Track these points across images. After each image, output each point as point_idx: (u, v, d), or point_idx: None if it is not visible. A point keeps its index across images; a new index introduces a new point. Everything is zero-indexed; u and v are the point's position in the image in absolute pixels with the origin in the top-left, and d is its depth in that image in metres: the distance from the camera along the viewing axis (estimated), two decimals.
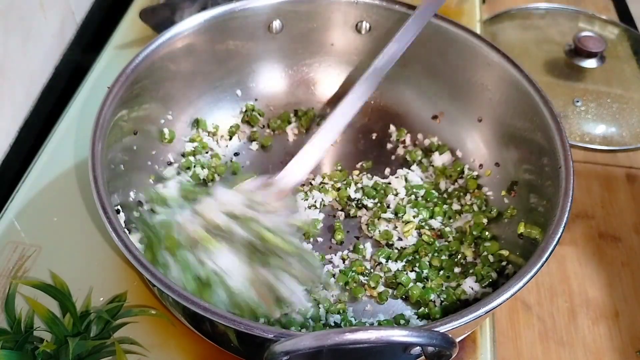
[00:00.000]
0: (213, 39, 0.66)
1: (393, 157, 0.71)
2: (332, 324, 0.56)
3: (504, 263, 0.58)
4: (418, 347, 0.43)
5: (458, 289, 0.58)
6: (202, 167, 0.67)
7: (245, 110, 0.72)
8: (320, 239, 0.63)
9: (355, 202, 0.66)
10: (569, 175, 0.53)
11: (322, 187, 0.67)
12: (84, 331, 0.53)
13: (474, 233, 0.62)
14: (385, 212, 0.65)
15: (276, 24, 0.69)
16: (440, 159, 0.69)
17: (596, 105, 0.83)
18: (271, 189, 0.59)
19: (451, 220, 0.64)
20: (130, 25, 0.83)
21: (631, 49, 0.93)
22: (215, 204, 0.55)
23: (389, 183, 0.67)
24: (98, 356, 0.52)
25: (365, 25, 0.70)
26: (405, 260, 0.61)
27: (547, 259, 0.48)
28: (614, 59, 0.89)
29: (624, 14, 1.03)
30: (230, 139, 0.71)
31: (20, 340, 0.52)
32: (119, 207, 0.56)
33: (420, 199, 0.66)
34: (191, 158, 0.67)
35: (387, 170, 0.69)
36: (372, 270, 0.61)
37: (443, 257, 0.61)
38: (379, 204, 0.65)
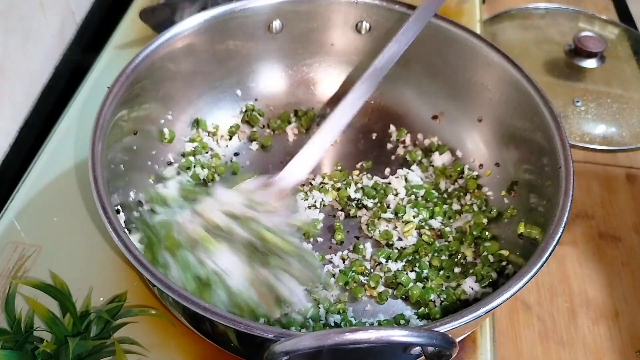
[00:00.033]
0: (213, 39, 0.67)
1: (393, 157, 0.71)
2: (332, 324, 0.56)
3: (504, 263, 0.58)
4: (418, 347, 0.43)
5: (458, 289, 0.58)
6: (202, 167, 0.67)
7: (245, 110, 0.72)
8: (320, 239, 0.63)
9: (355, 202, 0.66)
10: (569, 175, 0.53)
11: (322, 187, 0.67)
12: (84, 331, 0.53)
13: (474, 233, 0.62)
14: (385, 212, 0.65)
15: (276, 24, 0.69)
16: (440, 159, 0.69)
17: (596, 105, 0.83)
18: (271, 188, 0.59)
19: (451, 220, 0.64)
20: (130, 25, 0.83)
21: (631, 49, 0.93)
22: (215, 203, 0.55)
23: (389, 183, 0.67)
24: (98, 356, 0.52)
25: (365, 25, 0.70)
26: (405, 260, 0.61)
27: (547, 259, 0.48)
28: (614, 59, 0.89)
29: (624, 14, 1.03)
30: (230, 139, 0.71)
31: (20, 340, 0.52)
32: (119, 207, 0.56)
33: (420, 199, 0.66)
34: (191, 158, 0.67)
35: (387, 170, 0.69)
36: (372, 270, 0.61)
37: (443, 257, 0.61)
38: (379, 204, 0.65)
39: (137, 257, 0.47)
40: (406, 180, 0.67)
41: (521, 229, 0.57)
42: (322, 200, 0.66)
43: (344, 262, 0.62)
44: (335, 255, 0.62)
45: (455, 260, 0.61)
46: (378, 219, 0.64)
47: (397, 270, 0.60)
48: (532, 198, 0.59)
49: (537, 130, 0.59)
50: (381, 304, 0.59)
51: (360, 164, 0.70)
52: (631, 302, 0.68)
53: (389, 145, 0.72)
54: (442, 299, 0.57)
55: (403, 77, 0.70)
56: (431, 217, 0.64)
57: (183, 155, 0.67)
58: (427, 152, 0.70)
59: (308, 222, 0.63)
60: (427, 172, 0.69)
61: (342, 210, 0.66)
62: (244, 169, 0.69)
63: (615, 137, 0.81)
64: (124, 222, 0.57)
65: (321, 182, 0.68)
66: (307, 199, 0.65)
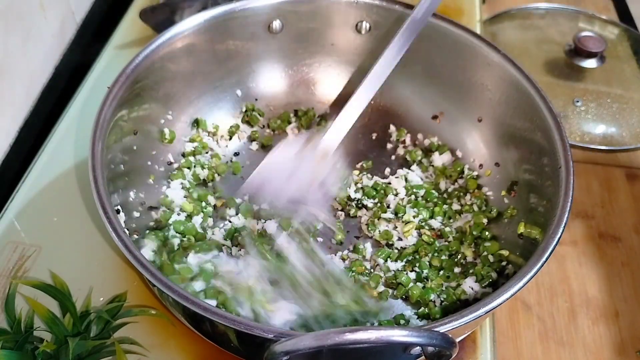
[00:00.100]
0: (213, 39, 0.67)
1: (393, 157, 0.71)
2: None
3: (504, 263, 0.58)
4: (418, 347, 0.43)
5: (458, 289, 0.58)
6: (202, 167, 0.67)
7: (245, 110, 0.72)
8: (320, 239, 0.63)
9: (355, 202, 0.66)
10: (569, 175, 0.53)
11: None
12: (84, 331, 0.53)
13: (474, 233, 0.62)
14: (385, 212, 0.65)
15: (276, 24, 0.69)
16: (440, 159, 0.69)
17: (596, 105, 0.83)
18: (316, 149, 0.61)
19: (451, 220, 0.64)
20: (130, 25, 0.83)
21: (631, 49, 0.92)
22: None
23: (389, 183, 0.67)
24: (98, 356, 0.52)
25: (365, 25, 0.70)
26: (405, 260, 0.61)
27: (547, 259, 0.48)
28: (614, 59, 0.89)
29: (624, 14, 1.03)
30: (230, 139, 0.71)
31: (20, 340, 0.52)
32: (119, 207, 0.56)
33: (420, 199, 0.66)
34: (191, 158, 0.67)
35: (387, 170, 0.69)
36: (372, 270, 0.61)
37: (443, 257, 0.61)
38: (379, 204, 0.65)
39: (137, 257, 0.47)
40: (406, 180, 0.67)
41: (521, 229, 0.57)
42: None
43: (344, 262, 0.62)
44: (335, 255, 0.62)
45: (455, 260, 0.61)
46: (378, 219, 0.64)
47: (397, 270, 0.60)
48: (532, 198, 0.59)
49: (537, 130, 0.59)
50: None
51: (360, 164, 0.70)
52: (631, 302, 0.68)
53: (389, 145, 0.72)
54: (442, 299, 0.57)
55: (403, 77, 0.70)
56: (431, 217, 0.64)
57: (183, 155, 0.68)
58: (427, 152, 0.70)
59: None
60: (427, 172, 0.69)
61: (342, 210, 0.66)
62: (244, 169, 0.69)
63: (615, 137, 0.81)
64: (124, 222, 0.57)
65: None
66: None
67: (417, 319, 0.57)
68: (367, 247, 0.62)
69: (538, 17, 0.98)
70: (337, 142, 0.64)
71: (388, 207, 0.65)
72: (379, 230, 0.63)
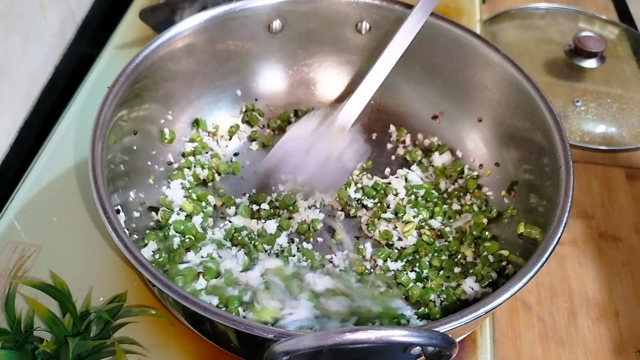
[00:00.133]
0: (213, 39, 0.66)
1: (393, 157, 0.71)
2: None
3: (504, 263, 0.58)
4: (418, 347, 0.43)
5: (458, 289, 0.58)
6: (202, 167, 0.67)
7: (245, 110, 0.72)
8: (320, 239, 0.63)
9: (355, 202, 0.66)
10: (569, 175, 0.53)
11: None
12: (84, 331, 0.53)
13: (474, 233, 0.62)
14: (385, 212, 0.65)
15: (276, 24, 0.69)
16: (440, 159, 0.69)
17: (596, 105, 0.83)
18: (333, 125, 0.63)
19: (451, 220, 0.64)
20: (130, 25, 0.83)
21: (631, 49, 0.92)
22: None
23: (389, 183, 0.67)
24: (98, 356, 0.52)
25: (365, 25, 0.70)
26: (405, 260, 0.61)
27: (547, 259, 0.48)
28: (614, 59, 0.89)
29: (624, 14, 1.03)
30: (230, 139, 0.71)
31: (20, 340, 0.52)
32: (119, 207, 0.56)
33: (420, 199, 0.66)
34: (191, 158, 0.67)
35: (387, 170, 0.69)
36: (372, 270, 0.61)
37: (443, 257, 0.61)
38: (379, 204, 0.65)
39: (137, 257, 0.47)
40: (406, 180, 0.67)
41: (521, 229, 0.57)
42: (322, 200, 0.66)
43: (344, 262, 0.62)
44: (335, 255, 0.62)
45: (455, 260, 0.61)
46: (378, 219, 0.64)
47: (397, 270, 0.60)
48: (532, 198, 0.59)
49: (537, 130, 0.59)
50: None
51: (360, 164, 0.70)
52: (631, 302, 0.68)
53: (389, 145, 0.72)
54: (442, 299, 0.57)
55: (403, 77, 0.70)
56: (431, 217, 0.64)
57: (183, 155, 0.68)
58: (427, 152, 0.70)
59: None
60: (427, 172, 0.69)
61: (342, 210, 0.66)
62: (244, 169, 0.69)
63: (615, 137, 0.81)
64: (124, 222, 0.57)
65: None
66: (307, 199, 0.65)
67: (417, 319, 0.57)
68: (367, 247, 0.62)
69: (538, 17, 0.98)
70: (353, 118, 0.65)
71: (388, 207, 0.65)
72: (379, 230, 0.63)
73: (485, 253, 0.60)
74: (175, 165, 0.66)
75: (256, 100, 0.73)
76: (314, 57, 0.73)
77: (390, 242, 0.63)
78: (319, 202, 0.66)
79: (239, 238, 0.61)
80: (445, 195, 0.67)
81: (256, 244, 0.60)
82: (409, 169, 0.69)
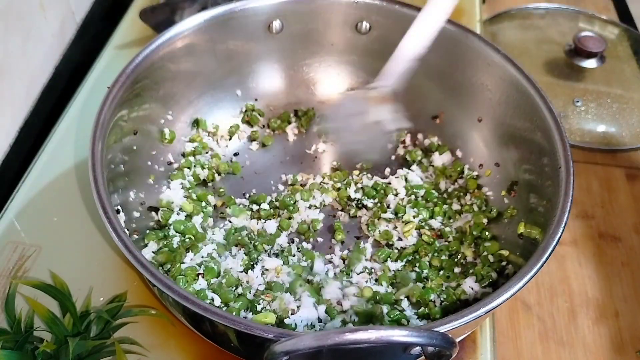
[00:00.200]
0: (213, 39, 0.67)
1: (393, 157, 0.71)
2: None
3: (504, 263, 0.58)
4: (418, 347, 0.43)
5: (458, 289, 0.58)
6: (202, 167, 0.67)
7: (245, 110, 0.72)
8: (320, 239, 0.63)
9: (355, 202, 0.66)
10: (569, 175, 0.53)
11: (322, 187, 0.67)
12: (84, 331, 0.53)
13: (474, 233, 0.62)
14: (385, 212, 0.65)
15: (276, 24, 0.69)
16: (440, 159, 0.69)
17: (596, 105, 0.83)
18: (371, 94, 0.62)
19: (451, 220, 0.64)
20: (130, 25, 0.83)
21: (631, 49, 0.93)
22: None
23: (389, 183, 0.67)
24: (98, 356, 0.52)
25: (365, 25, 0.70)
26: (405, 260, 0.61)
27: (547, 259, 0.48)
28: (614, 59, 0.89)
29: (624, 14, 1.03)
30: (230, 139, 0.71)
31: (20, 340, 0.52)
32: (119, 207, 0.56)
33: (420, 199, 0.66)
34: (191, 158, 0.67)
35: (387, 170, 0.69)
36: (372, 270, 0.61)
37: (443, 257, 0.61)
38: (379, 204, 0.65)
39: (137, 257, 0.47)
40: (406, 180, 0.67)
41: (521, 229, 0.57)
42: (322, 200, 0.66)
43: (344, 262, 0.62)
44: (335, 255, 0.62)
45: (455, 260, 0.61)
46: (378, 219, 0.64)
47: (397, 270, 0.60)
48: (532, 198, 0.59)
49: (537, 130, 0.59)
50: None
51: (360, 164, 0.70)
52: (631, 302, 0.68)
53: (389, 145, 0.72)
54: (442, 299, 0.57)
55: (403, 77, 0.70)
56: (431, 217, 0.64)
57: (183, 155, 0.68)
58: (427, 152, 0.70)
59: None
60: (427, 172, 0.69)
61: (342, 210, 0.66)
62: (244, 169, 0.69)
63: (615, 137, 0.81)
64: (124, 222, 0.57)
65: (321, 182, 0.68)
66: (307, 199, 0.65)
67: (417, 319, 0.57)
68: (367, 247, 0.62)
69: (538, 17, 0.98)
70: (391, 82, 0.62)
71: (388, 207, 0.65)
72: (379, 230, 0.63)
73: (485, 253, 0.60)
74: (175, 165, 0.66)
75: (256, 100, 0.73)
76: (314, 57, 0.73)
77: (390, 242, 0.63)
78: (319, 202, 0.66)
79: (239, 238, 0.61)
80: (445, 195, 0.67)
81: (256, 244, 0.60)
82: (409, 169, 0.69)
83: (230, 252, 0.60)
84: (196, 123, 0.69)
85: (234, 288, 0.56)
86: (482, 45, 0.64)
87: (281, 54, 0.72)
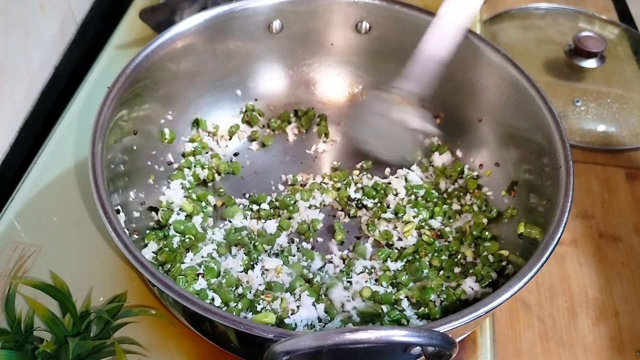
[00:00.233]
0: (213, 39, 0.67)
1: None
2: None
3: (504, 263, 0.58)
4: (418, 347, 0.44)
5: (458, 289, 0.58)
6: (202, 167, 0.67)
7: (245, 110, 0.72)
8: (320, 239, 0.63)
9: (355, 202, 0.66)
10: (569, 175, 0.53)
11: (322, 187, 0.67)
12: (84, 331, 0.53)
13: (474, 233, 0.62)
14: (385, 212, 0.65)
15: (276, 24, 0.69)
16: (440, 159, 0.69)
17: (596, 105, 0.83)
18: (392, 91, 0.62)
19: (451, 220, 0.64)
20: (130, 25, 0.83)
21: (631, 49, 0.92)
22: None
23: (389, 183, 0.67)
24: (98, 356, 0.52)
25: (365, 25, 0.70)
26: (405, 260, 0.61)
27: (547, 259, 0.48)
28: (614, 59, 0.89)
29: (624, 14, 1.03)
30: (230, 139, 0.71)
31: (20, 340, 0.52)
32: (119, 207, 0.56)
33: (420, 199, 0.66)
34: (191, 158, 0.67)
35: (387, 170, 0.69)
36: (372, 270, 0.61)
37: (443, 257, 0.61)
38: (379, 204, 0.65)
39: (137, 257, 0.47)
40: (406, 180, 0.67)
41: (521, 229, 0.57)
42: (322, 200, 0.66)
43: (344, 262, 0.62)
44: (335, 255, 0.62)
45: (455, 260, 0.61)
46: (378, 219, 0.64)
47: (397, 270, 0.60)
48: (532, 198, 0.59)
49: (537, 130, 0.59)
50: None
51: (360, 164, 0.70)
52: (631, 302, 0.68)
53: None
54: (442, 299, 0.57)
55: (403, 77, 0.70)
56: (431, 217, 0.64)
57: (183, 155, 0.68)
58: (427, 152, 0.70)
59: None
60: (427, 172, 0.69)
61: (342, 210, 0.66)
62: (244, 169, 0.69)
63: (615, 137, 0.81)
64: (124, 222, 0.57)
65: (321, 182, 0.68)
66: (307, 199, 0.65)
67: (417, 319, 0.57)
68: (367, 247, 0.62)
69: (538, 17, 0.98)
70: (415, 86, 0.63)
71: (388, 207, 0.65)
72: (379, 230, 0.63)
73: (485, 253, 0.60)
74: (175, 165, 0.66)
75: (256, 100, 0.73)
76: (314, 57, 0.73)
77: (390, 242, 0.63)
78: (319, 202, 0.66)
79: (239, 238, 0.61)
80: (445, 195, 0.67)
81: (256, 244, 0.60)
82: (409, 169, 0.69)
83: (230, 252, 0.60)
84: (196, 123, 0.69)
85: (234, 288, 0.56)
86: (482, 45, 0.64)
87: (281, 54, 0.72)
